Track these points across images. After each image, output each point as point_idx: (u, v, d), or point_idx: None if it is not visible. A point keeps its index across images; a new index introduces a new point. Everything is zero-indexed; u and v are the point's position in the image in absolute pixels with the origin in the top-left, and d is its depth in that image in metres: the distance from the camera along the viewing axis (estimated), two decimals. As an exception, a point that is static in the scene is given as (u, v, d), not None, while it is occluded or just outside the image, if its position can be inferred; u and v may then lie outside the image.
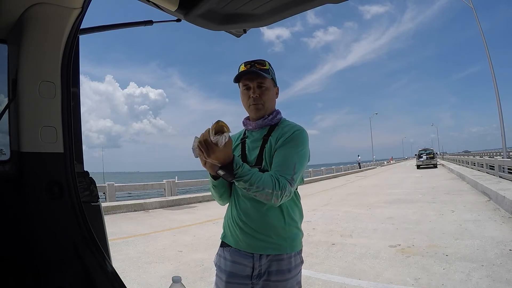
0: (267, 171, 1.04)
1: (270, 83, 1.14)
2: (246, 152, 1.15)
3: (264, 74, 1.11)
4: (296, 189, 1.11)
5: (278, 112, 1.18)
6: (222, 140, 0.86)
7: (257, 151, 1.11)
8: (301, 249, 1.14)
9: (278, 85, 1.21)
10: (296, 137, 1.07)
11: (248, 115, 1.20)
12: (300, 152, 1.05)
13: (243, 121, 1.22)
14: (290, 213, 1.09)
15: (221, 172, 0.93)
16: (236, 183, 0.96)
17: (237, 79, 1.14)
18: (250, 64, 1.13)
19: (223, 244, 1.17)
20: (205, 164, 0.96)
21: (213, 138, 0.87)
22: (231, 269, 1.10)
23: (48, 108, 0.90)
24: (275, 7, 1.01)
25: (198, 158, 0.94)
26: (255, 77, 1.11)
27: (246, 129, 1.22)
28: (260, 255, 1.06)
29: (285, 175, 0.99)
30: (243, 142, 1.18)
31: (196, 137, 0.91)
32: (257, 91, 1.11)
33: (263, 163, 1.08)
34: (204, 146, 0.89)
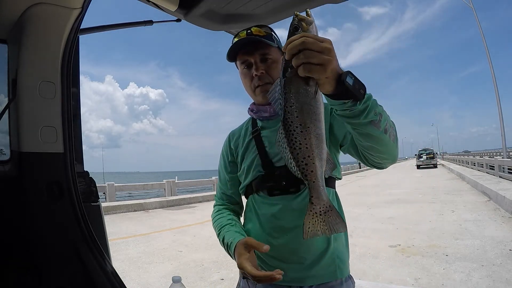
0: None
1: (277, 53, 0.84)
2: (267, 148, 0.84)
3: (266, 41, 0.81)
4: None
5: None
6: (314, 29, 0.54)
7: None
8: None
9: None
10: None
11: (254, 101, 0.90)
12: None
13: (250, 108, 0.92)
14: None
15: (350, 79, 0.53)
16: (364, 107, 0.56)
17: (232, 56, 0.85)
18: (246, 32, 0.83)
19: (246, 275, 0.73)
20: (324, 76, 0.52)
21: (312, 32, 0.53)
22: None
23: (48, 108, 0.90)
24: (275, 7, 1.01)
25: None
26: (255, 49, 0.82)
27: (257, 118, 0.91)
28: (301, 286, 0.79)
29: None
30: (256, 136, 0.87)
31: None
32: (262, 67, 0.82)
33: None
34: (315, 47, 0.49)
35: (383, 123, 0.60)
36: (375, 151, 0.65)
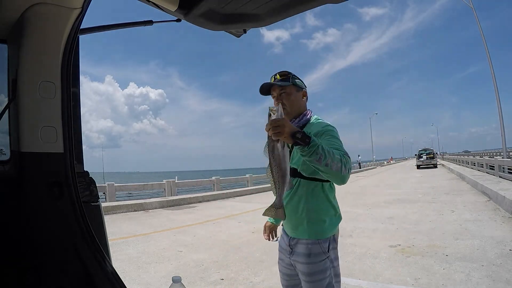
0: (296, 169, 1.23)
1: (291, 89, 1.28)
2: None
3: (280, 83, 1.27)
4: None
5: (305, 114, 1.31)
6: (278, 113, 1.03)
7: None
8: (329, 238, 1.25)
9: (305, 87, 1.34)
10: (327, 131, 1.19)
11: None
12: (337, 139, 1.18)
13: None
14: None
15: (298, 135, 0.97)
16: (309, 151, 0.97)
17: (265, 93, 1.32)
18: (274, 77, 1.31)
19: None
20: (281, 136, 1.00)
21: (274, 117, 1.03)
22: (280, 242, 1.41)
23: (48, 108, 0.90)
24: (275, 7, 1.01)
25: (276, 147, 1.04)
26: (275, 89, 1.30)
27: None
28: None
29: (337, 149, 1.08)
30: None
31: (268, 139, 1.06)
32: (279, 98, 1.27)
33: (293, 161, 1.23)
34: (275, 124, 0.98)
35: (325, 160, 0.99)
36: (323, 175, 1.07)
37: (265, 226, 1.52)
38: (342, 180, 1.05)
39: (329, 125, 1.24)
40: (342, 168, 1.00)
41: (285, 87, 1.27)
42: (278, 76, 1.29)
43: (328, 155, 0.98)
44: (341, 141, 1.17)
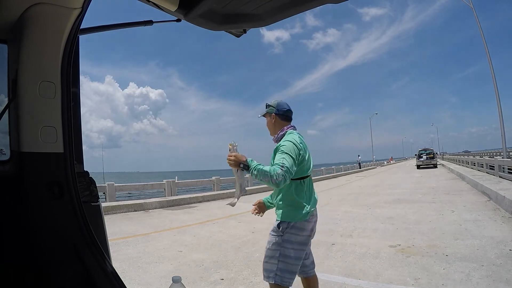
0: None
1: (267, 116, 1.85)
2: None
3: (260, 116, 1.89)
4: (299, 179, 1.69)
5: (281, 130, 1.78)
6: (233, 148, 1.61)
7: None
8: (287, 222, 1.67)
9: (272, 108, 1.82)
10: (280, 147, 1.63)
11: None
12: (284, 152, 1.58)
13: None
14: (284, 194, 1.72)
15: (241, 165, 1.54)
16: (250, 173, 1.54)
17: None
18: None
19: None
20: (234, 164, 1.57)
21: (231, 150, 1.61)
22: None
23: (48, 108, 0.90)
24: (275, 7, 1.01)
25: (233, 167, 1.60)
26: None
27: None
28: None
29: (276, 164, 1.52)
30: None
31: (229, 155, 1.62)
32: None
33: (273, 163, 1.62)
34: (228, 157, 1.57)
35: (258, 178, 1.50)
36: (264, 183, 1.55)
37: (259, 201, 1.95)
38: (276, 186, 1.51)
39: (285, 140, 1.65)
40: (272, 180, 1.46)
41: (266, 116, 1.85)
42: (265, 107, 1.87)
43: (259, 174, 1.49)
44: (287, 153, 1.57)
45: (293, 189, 1.66)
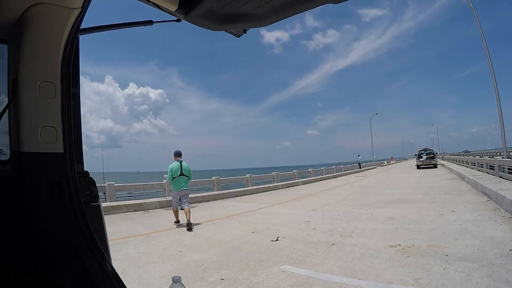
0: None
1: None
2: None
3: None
4: (178, 176, 6.05)
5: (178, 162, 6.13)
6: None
7: None
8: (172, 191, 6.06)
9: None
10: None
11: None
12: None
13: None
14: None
15: None
16: None
17: None
18: None
19: None
20: None
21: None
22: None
23: (48, 108, 0.90)
24: (275, 7, 1.01)
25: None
26: None
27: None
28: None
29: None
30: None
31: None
32: None
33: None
34: None
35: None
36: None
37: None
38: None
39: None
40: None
41: None
42: None
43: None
44: (169, 170, 5.90)
45: (173, 181, 5.85)
